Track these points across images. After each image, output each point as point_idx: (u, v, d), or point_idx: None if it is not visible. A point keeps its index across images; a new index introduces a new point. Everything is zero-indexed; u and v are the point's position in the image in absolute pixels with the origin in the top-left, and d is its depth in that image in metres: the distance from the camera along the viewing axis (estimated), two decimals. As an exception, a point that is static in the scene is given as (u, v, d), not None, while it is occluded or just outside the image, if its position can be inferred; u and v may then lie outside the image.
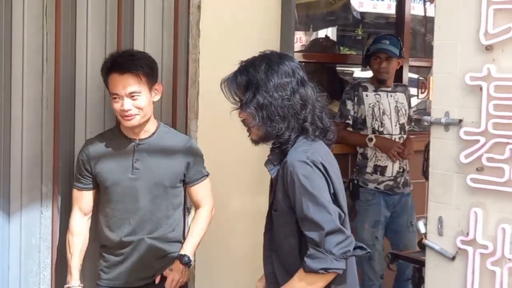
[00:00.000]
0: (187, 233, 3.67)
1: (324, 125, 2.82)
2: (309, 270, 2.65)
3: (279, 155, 2.80)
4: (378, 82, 5.16)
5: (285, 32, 4.43)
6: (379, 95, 5.15)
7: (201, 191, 3.63)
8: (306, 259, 2.66)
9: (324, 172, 2.71)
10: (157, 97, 3.48)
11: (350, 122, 5.11)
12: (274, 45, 4.11)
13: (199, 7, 3.98)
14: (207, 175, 3.64)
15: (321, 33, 9.36)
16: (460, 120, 3.10)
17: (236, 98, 2.79)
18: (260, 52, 2.86)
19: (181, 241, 3.63)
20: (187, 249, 3.57)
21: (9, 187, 3.52)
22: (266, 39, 4.23)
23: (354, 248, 2.71)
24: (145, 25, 3.84)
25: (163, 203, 3.52)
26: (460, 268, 3.11)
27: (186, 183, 3.60)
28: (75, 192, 3.55)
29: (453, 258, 3.15)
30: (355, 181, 5.10)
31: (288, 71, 2.77)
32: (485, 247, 3.02)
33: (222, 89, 2.83)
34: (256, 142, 2.84)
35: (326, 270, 2.63)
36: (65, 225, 3.62)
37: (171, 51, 3.88)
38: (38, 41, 3.53)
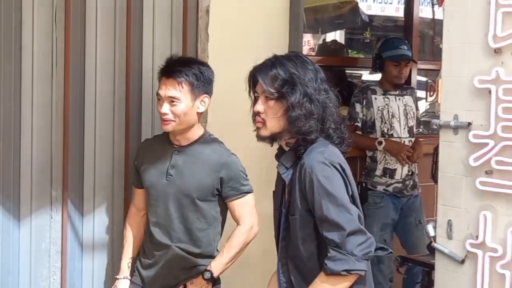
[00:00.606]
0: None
1: (343, 135, 2.82)
2: (331, 273, 2.63)
3: (292, 157, 2.80)
4: (393, 87, 5.17)
5: (294, 35, 4.44)
6: (388, 98, 5.15)
7: (238, 208, 3.51)
8: (327, 261, 2.64)
9: (342, 172, 2.71)
10: (202, 109, 3.46)
11: (359, 124, 5.12)
12: (282, 49, 4.11)
13: (207, 11, 3.99)
14: (247, 192, 3.53)
15: (329, 36, 9.37)
16: (469, 123, 3.10)
17: (269, 88, 2.75)
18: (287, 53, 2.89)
19: (214, 256, 3.53)
20: (213, 265, 3.49)
21: (19, 192, 3.53)
22: (275, 43, 4.23)
23: (375, 249, 2.71)
24: (154, 29, 3.85)
25: (191, 214, 3.47)
26: (470, 272, 3.11)
27: (223, 198, 3.51)
28: (133, 188, 3.66)
29: (463, 262, 3.14)
30: (364, 184, 5.10)
31: (321, 74, 2.82)
32: (495, 250, 3.01)
33: (249, 78, 2.82)
34: (264, 138, 2.82)
35: (348, 271, 2.62)
36: (75, 229, 3.63)
37: (179, 55, 3.89)
38: (47, 46, 3.54)
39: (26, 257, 3.56)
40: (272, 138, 2.84)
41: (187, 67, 3.41)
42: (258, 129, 2.82)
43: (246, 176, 3.54)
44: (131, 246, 3.61)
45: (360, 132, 5.13)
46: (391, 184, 5.08)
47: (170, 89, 3.38)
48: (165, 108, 3.39)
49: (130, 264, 3.60)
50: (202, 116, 3.96)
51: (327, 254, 2.66)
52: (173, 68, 3.41)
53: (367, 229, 4.82)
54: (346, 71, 7.46)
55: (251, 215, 3.54)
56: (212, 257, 3.54)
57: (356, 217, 2.68)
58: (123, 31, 3.75)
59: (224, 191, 3.49)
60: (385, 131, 5.09)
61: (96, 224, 3.74)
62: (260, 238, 3.56)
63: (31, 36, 3.50)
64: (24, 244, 3.56)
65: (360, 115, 5.11)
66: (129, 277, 3.58)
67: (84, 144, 3.68)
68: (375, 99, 5.12)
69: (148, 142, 3.63)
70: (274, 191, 2.98)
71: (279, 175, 2.92)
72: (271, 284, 3.04)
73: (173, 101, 3.38)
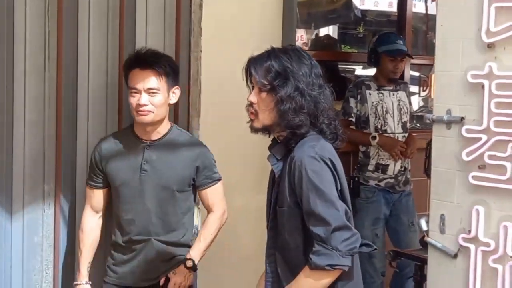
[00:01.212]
0: (196, 237, 3.66)
1: (336, 131, 2.83)
2: (315, 267, 2.63)
3: (282, 149, 2.80)
4: (388, 82, 5.17)
5: (287, 30, 4.44)
6: (382, 93, 5.16)
7: (211, 195, 3.60)
8: (311, 255, 2.65)
9: (332, 167, 2.71)
10: (173, 100, 3.51)
11: (353, 119, 5.12)
12: (276, 43, 4.07)
13: (200, 5, 3.98)
14: (218, 180, 3.62)
15: (323, 31, 9.36)
16: (462, 118, 3.10)
17: (262, 80, 2.75)
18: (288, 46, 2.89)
19: (190, 245, 3.61)
20: (193, 253, 3.56)
21: (11, 186, 3.52)
22: (268, 37, 4.23)
23: (360, 245, 2.71)
24: (147, 23, 3.84)
25: (170, 207, 3.52)
26: (462, 266, 3.11)
27: (196, 187, 3.58)
28: (87, 190, 3.58)
29: (455, 256, 3.15)
30: (356, 178, 5.10)
31: (317, 69, 2.81)
32: (487, 244, 3.02)
33: (246, 69, 2.82)
34: (257, 130, 2.83)
35: (332, 266, 2.62)
36: (67, 223, 3.63)
37: (173, 49, 3.88)
38: (40, 40, 3.53)
39: (18, 251, 3.55)
40: (265, 130, 2.84)
41: (161, 58, 3.46)
42: (251, 121, 2.83)
43: (215, 163, 3.62)
44: (89, 250, 3.56)
45: (353, 127, 5.14)
46: (384, 179, 5.09)
47: (149, 81, 3.39)
48: (144, 99, 3.38)
49: (89, 269, 3.56)
50: (194, 110, 3.97)
51: (312, 248, 2.66)
52: (148, 59, 3.42)
53: (358, 223, 4.85)
54: (339, 66, 7.46)
55: (222, 201, 3.64)
56: (188, 246, 3.60)
57: (342, 213, 2.68)
58: (116, 25, 3.74)
59: (198, 180, 3.56)
60: (379, 126, 5.10)
61: (88, 218, 3.73)
62: (255, 232, 3.57)
63: (23, 30, 3.49)
64: (17, 238, 3.55)
65: (354, 110, 5.12)
66: (90, 282, 3.54)
67: (77, 138, 3.67)
68: (370, 94, 5.12)
69: (110, 140, 3.57)
70: (268, 185, 2.98)
71: (271, 169, 2.93)
72: (261, 279, 3.05)
73: (151, 92, 3.39)
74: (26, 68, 3.51)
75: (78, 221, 3.68)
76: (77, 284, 3.52)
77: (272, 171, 2.91)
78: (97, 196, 3.56)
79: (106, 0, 3.71)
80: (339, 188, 2.74)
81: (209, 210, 3.64)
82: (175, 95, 3.51)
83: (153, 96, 3.40)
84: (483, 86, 3.02)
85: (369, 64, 5.39)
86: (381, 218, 5.11)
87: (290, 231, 2.76)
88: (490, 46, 3.00)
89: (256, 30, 4.27)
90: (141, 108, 3.38)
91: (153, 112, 3.41)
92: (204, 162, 3.56)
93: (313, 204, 2.65)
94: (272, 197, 2.86)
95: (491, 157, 3.00)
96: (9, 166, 3.50)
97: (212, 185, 3.60)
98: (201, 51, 3.98)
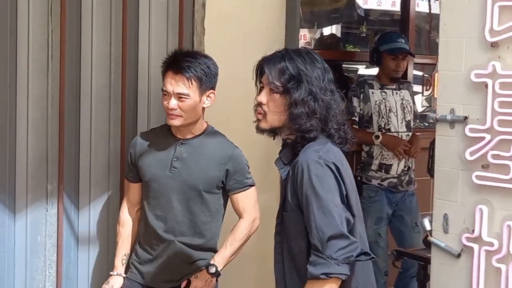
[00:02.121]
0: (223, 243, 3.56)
1: (346, 135, 2.78)
2: (311, 277, 2.59)
3: (290, 153, 2.76)
4: (390, 81, 5.17)
5: (290, 29, 4.43)
6: (385, 92, 5.15)
7: (242, 201, 3.52)
8: (308, 266, 2.61)
9: (336, 172, 2.66)
10: (207, 104, 3.45)
11: (356, 119, 5.11)
12: (279, 43, 4.11)
13: (203, 4, 3.98)
14: (250, 185, 3.54)
15: (326, 31, 9.36)
16: (466, 117, 3.10)
17: (275, 82, 2.70)
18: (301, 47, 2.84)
19: (215, 249, 3.54)
20: (217, 259, 3.48)
21: (14, 185, 3.52)
22: (271, 37, 4.23)
23: (359, 254, 2.66)
24: (150, 23, 3.84)
25: (196, 207, 3.47)
26: (466, 266, 3.11)
27: (227, 191, 3.52)
28: (126, 183, 3.61)
29: (459, 256, 3.15)
30: (359, 178, 5.09)
31: (330, 74, 2.77)
32: (491, 244, 3.02)
33: (257, 68, 2.78)
34: (263, 130, 2.78)
35: (327, 275, 2.57)
36: (70, 222, 3.63)
37: (176, 49, 3.88)
38: (43, 39, 3.53)
39: (21, 250, 3.56)
40: (272, 132, 2.80)
41: (195, 62, 3.38)
42: (258, 121, 2.78)
43: (249, 169, 3.54)
44: (125, 242, 3.57)
45: (357, 126, 5.13)
46: (387, 178, 5.08)
47: (179, 85, 3.35)
48: (173, 103, 3.35)
49: (124, 261, 3.56)
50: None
51: (309, 258, 2.64)
52: (181, 63, 3.36)
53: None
54: (343, 65, 7.45)
55: (254, 208, 3.55)
56: (214, 250, 3.54)
57: (340, 221, 2.62)
58: (119, 24, 3.74)
59: (228, 184, 3.49)
60: (382, 125, 5.09)
61: (91, 217, 3.74)
62: (258, 231, 3.56)
63: (26, 29, 3.49)
64: (20, 238, 3.55)
65: (358, 109, 5.11)
66: (123, 274, 3.54)
67: (80, 137, 3.67)
68: (372, 93, 5.12)
69: (146, 135, 3.58)
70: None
71: None
72: None
73: (181, 97, 3.36)
74: (29, 66, 3.51)
75: (81, 220, 3.69)
76: (111, 275, 3.53)
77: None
78: (133, 190, 3.58)
79: (109, -1, 3.72)
80: (344, 193, 2.68)
81: (239, 216, 3.55)
82: (210, 98, 3.45)
83: (182, 101, 3.36)
84: (486, 85, 3.02)
85: (371, 63, 5.38)
86: (384, 218, 5.10)
87: (294, 236, 2.73)
88: (494, 45, 3.01)
89: (259, 29, 4.27)
90: (170, 112, 3.37)
91: (181, 117, 3.38)
92: (235, 166, 3.49)
93: (310, 211, 2.61)
94: (280, 202, 2.84)
95: (494, 156, 3.00)
96: (12, 165, 3.50)
97: (243, 190, 3.52)
98: (204, 50, 3.98)
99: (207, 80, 3.40)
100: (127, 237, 3.58)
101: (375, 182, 5.07)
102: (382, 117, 5.10)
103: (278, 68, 2.71)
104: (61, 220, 3.64)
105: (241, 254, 3.61)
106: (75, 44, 3.63)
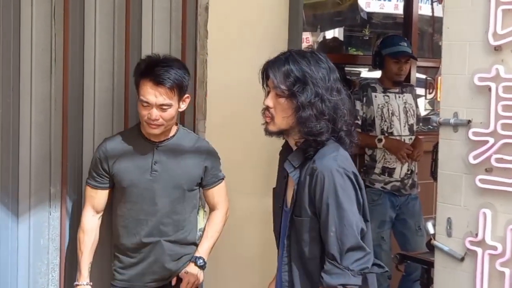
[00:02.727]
0: (202, 235, 3.68)
1: (352, 138, 2.78)
2: (327, 286, 2.62)
3: (300, 157, 2.75)
4: (393, 84, 5.17)
5: (293, 32, 4.43)
6: (388, 96, 5.15)
7: (217, 194, 3.64)
8: (323, 274, 2.64)
9: (355, 182, 2.67)
10: (183, 107, 3.49)
11: (359, 122, 5.10)
12: (282, 46, 4.11)
13: (207, 8, 3.98)
14: (222, 178, 3.66)
15: (329, 34, 9.37)
16: (469, 121, 3.10)
17: (281, 86, 2.69)
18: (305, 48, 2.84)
19: (196, 243, 3.64)
20: (202, 251, 3.59)
21: (17, 188, 3.52)
22: (274, 40, 4.23)
23: (372, 265, 2.70)
24: (153, 26, 3.84)
25: (180, 206, 3.52)
26: (469, 269, 3.11)
27: (202, 186, 3.61)
28: (89, 190, 3.53)
29: (462, 259, 3.14)
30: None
31: (335, 73, 2.75)
32: (494, 248, 3.01)
33: (262, 71, 2.77)
34: (272, 133, 2.78)
35: (344, 286, 2.62)
36: (73, 225, 3.62)
37: (179, 52, 3.88)
38: (46, 42, 3.53)
39: (24, 253, 3.55)
40: (280, 134, 2.80)
41: (173, 70, 3.37)
42: (266, 123, 2.77)
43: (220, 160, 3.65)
44: (90, 251, 3.53)
45: (359, 130, 5.12)
46: (390, 182, 5.08)
47: (162, 97, 3.34)
48: (156, 114, 3.34)
49: (89, 269, 3.53)
50: (200, 113, 3.97)
51: (324, 266, 2.65)
52: (161, 74, 3.33)
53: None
54: (345, 69, 7.46)
55: (226, 199, 3.69)
56: (195, 244, 3.62)
57: (358, 232, 2.65)
58: (122, 27, 3.74)
59: (206, 179, 3.59)
60: (385, 129, 5.09)
61: (94, 220, 3.73)
62: (260, 234, 3.57)
63: (30, 32, 3.49)
64: (23, 241, 3.55)
65: (360, 113, 5.11)
66: (91, 283, 3.51)
67: (83, 140, 3.67)
68: (375, 96, 5.11)
69: (116, 140, 3.52)
70: (274, 188, 2.96)
71: (280, 172, 2.91)
72: (271, 284, 3.04)
73: (163, 108, 3.36)
74: (32, 69, 3.50)
75: (84, 224, 3.69)
76: (78, 285, 3.49)
77: (281, 177, 2.88)
78: (100, 197, 3.53)
79: (112, 2, 3.71)
80: (361, 202, 2.70)
81: (213, 208, 3.68)
82: (185, 103, 3.48)
83: (164, 111, 3.36)
84: (490, 89, 3.02)
85: (373, 66, 5.38)
86: (387, 221, 5.09)
87: (308, 242, 2.72)
88: (497, 48, 3.00)
89: (262, 32, 4.27)
90: (153, 122, 3.36)
91: (163, 125, 3.39)
92: (212, 162, 3.59)
93: (330, 221, 2.62)
94: (285, 205, 2.83)
95: (498, 160, 3.00)
96: (15, 167, 3.50)
97: (218, 184, 3.64)
98: (207, 53, 3.98)
99: (185, 87, 3.43)
100: (91, 246, 3.54)
101: (378, 185, 5.07)
102: (385, 121, 5.10)
103: (283, 72, 2.69)
104: (64, 223, 3.63)
105: (244, 256, 3.62)
106: (78, 47, 3.63)
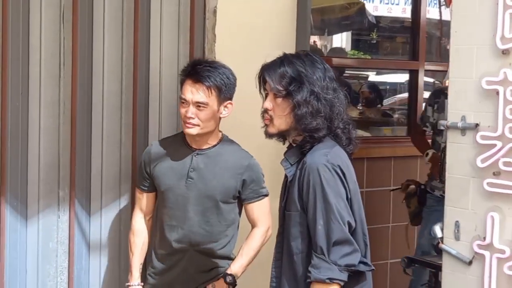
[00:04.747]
0: (238, 252, 3.58)
1: (350, 136, 2.83)
2: (315, 280, 2.65)
3: (297, 153, 2.80)
4: None
5: (301, 36, 4.43)
6: None
7: (257, 210, 3.54)
8: (311, 269, 2.67)
9: (342, 176, 2.71)
10: (225, 114, 3.46)
11: (428, 128, 5.00)
12: (289, 50, 4.07)
13: (215, 12, 3.99)
14: (265, 195, 3.56)
15: (336, 38, 9.37)
16: (477, 125, 3.09)
17: (277, 86, 2.76)
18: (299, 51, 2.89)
19: (231, 257, 3.56)
20: (234, 268, 3.50)
21: (26, 191, 3.54)
22: (282, 44, 4.23)
23: (359, 263, 2.71)
24: (161, 30, 3.85)
25: (213, 217, 3.47)
26: (477, 273, 3.10)
27: (242, 200, 3.53)
28: (138, 193, 3.58)
29: (470, 263, 3.14)
30: (422, 187, 5.02)
31: (331, 72, 2.82)
32: (502, 251, 3.01)
33: (259, 76, 2.83)
34: (272, 135, 2.83)
35: (331, 280, 2.64)
36: (82, 229, 3.64)
37: (187, 55, 3.90)
38: (55, 46, 3.55)
39: (33, 256, 3.57)
40: (280, 136, 2.85)
41: (215, 71, 3.39)
42: (266, 126, 2.84)
43: (264, 177, 3.56)
44: (140, 252, 3.56)
45: (423, 134, 5.04)
46: None
47: (199, 94, 3.36)
48: (192, 111, 3.36)
49: (140, 270, 3.56)
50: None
51: (311, 261, 2.68)
52: (201, 72, 3.37)
53: (420, 231, 4.68)
54: (350, 72, 7.47)
55: (268, 217, 3.56)
56: (229, 258, 3.55)
57: (346, 226, 2.68)
58: (131, 31, 3.76)
59: (244, 193, 3.51)
60: None
61: (103, 224, 3.75)
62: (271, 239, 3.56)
63: (38, 36, 3.51)
64: (32, 244, 3.56)
65: (431, 119, 4.96)
66: (142, 284, 3.54)
67: (92, 144, 3.68)
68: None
69: (160, 144, 3.56)
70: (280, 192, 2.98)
71: (285, 175, 2.93)
72: None
73: (200, 106, 3.36)
74: (41, 74, 3.53)
75: (92, 227, 3.70)
76: (129, 286, 3.52)
77: (286, 178, 2.91)
78: (147, 199, 3.57)
79: (121, 6, 3.73)
80: (349, 197, 2.73)
81: (253, 225, 3.58)
82: (227, 109, 3.46)
83: (200, 110, 3.36)
84: (498, 93, 3.01)
85: None
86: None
87: (295, 236, 2.77)
88: (505, 52, 3.00)
89: (270, 36, 4.27)
90: (188, 120, 3.37)
91: (199, 126, 3.38)
92: (251, 176, 3.51)
93: (318, 215, 2.67)
94: (282, 202, 2.87)
95: (506, 163, 2.99)
96: (24, 171, 3.52)
97: (258, 200, 3.55)
98: (215, 57, 3.98)
99: (226, 90, 3.42)
100: (142, 247, 3.56)
101: (437, 192, 4.93)
102: None
103: (278, 73, 2.77)
104: (72, 227, 3.65)
105: (255, 260, 3.61)
106: (87, 51, 3.65)
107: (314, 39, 8.55)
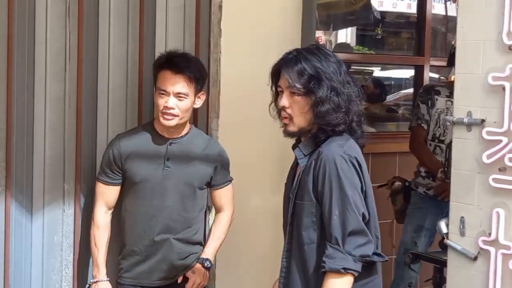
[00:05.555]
0: (208, 236, 3.71)
1: (361, 128, 2.83)
2: (330, 270, 2.64)
3: (311, 144, 2.80)
4: None
5: (306, 31, 4.43)
6: (451, 102, 4.85)
7: (225, 195, 3.68)
8: (325, 259, 2.66)
9: (358, 168, 2.71)
10: (198, 104, 3.54)
11: (425, 126, 4.92)
12: (295, 45, 4.09)
13: (220, 6, 3.99)
14: (231, 181, 3.70)
15: (341, 33, 9.36)
16: (483, 120, 3.09)
17: (296, 84, 2.74)
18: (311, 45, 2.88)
19: (202, 243, 3.67)
20: (209, 252, 3.63)
21: (31, 185, 3.54)
22: (287, 39, 4.23)
23: (372, 254, 2.72)
24: (167, 24, 3.85)
25: (190, 204, 3.56)
26: (482, 269, 3.10)
27: (211, 186, 3.65)
28: (101, 186, 3.55)
29: (475, 259, 3.13)
30: (407, 183, 5.01)
31: (344, 66, 2.81)
32: (507, 247, 3.00)
33: (273, 72, 2.81)
34: (292, 134, 2.82)
35: (346, 270, 2.64)
36: (87, 222, 3.64)
37: (192, 50, 3.89)
38: (61, 41, 3.55)
39: (38, 250, 3.57)
40: (300, 134, 2.83)
41: (191, 62, 3.47)
42: (285, 125, 2.82)
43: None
44: (105, 246, 3.56)
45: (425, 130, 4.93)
46: (432, 187, 4.88)
47: (179, 85, 3.40)
48: (172, 102, 3.40)
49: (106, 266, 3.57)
50: (214, 111, 3.98)
51: (325, 251, 2.67)
52: (180, 63, 3.42)
53: (403, 228, 4.70)
54: (357, 68, 7.46)
55: (232, 202, 3.73)
56: (201, 243, 3.65)
57: (361, 217, 2.69)
58: (136, 26, 3.76)
59: (215, 179, 3.62)
60: (437, 135, 4.89)
61: (108, 218, 3.75)
62: (272, 233, 3.57)
63: (44, 31, 3.51)
64: (37, 238, 3.57)
65: (426, 117, 4.90)
66: (108, 278, 3.55)
67: (97, 138, 3.69)
68: (437, 99, 4.87)
69: (128, 136, 3.56)
70: (286, 183, 2.98)
71: (291, 166, 2.93)
72: (277, 281, 3.05)
73: (180, 97, 3.41)
74: (47, 68, 3.53)
75: (98, 221, 3.71)
76: (97, 281, 3.52)
77: (291, 170, 2.91)
78: (112, 193, 3.56)
79: (127, 1, 3.73)
80: (364, 189, 2.74)
81: (219, 210, 3.72)
82: (200, 100, 3.54)
83: (181, 100, 3.42)
84: (504, 88, 3.00)
85: (449, 65, 5.11)
86: (424, 227, 4.90)
87: (306, 226, 2.76)
88: (511, 48, 2.99)
89: (276, 31, 4.27)
90: (168, 111, 3.40)
91: (178, 116, 3.43)
92: (222, 162, 3.63)
93: (334, 205, 2.66)
94: (291, 193, 2.86)
95: (511, 159, 2.98)
96: (30, 165, 3.52)
97: (226, 185, 3.68)
98: (220, 52, 3.99)
99: (202, 82, 3.50)
100: (107, 241, 3.57)
101: (421, 189, 4.94)
102: (439, 127, 4.89)
103: (296, 71, 2.74)
104: (77, 221, 3.66)
105: (256, 255, 3.62)
106: (93, 45, 3.65)
107: (319, 34, 8.54)
